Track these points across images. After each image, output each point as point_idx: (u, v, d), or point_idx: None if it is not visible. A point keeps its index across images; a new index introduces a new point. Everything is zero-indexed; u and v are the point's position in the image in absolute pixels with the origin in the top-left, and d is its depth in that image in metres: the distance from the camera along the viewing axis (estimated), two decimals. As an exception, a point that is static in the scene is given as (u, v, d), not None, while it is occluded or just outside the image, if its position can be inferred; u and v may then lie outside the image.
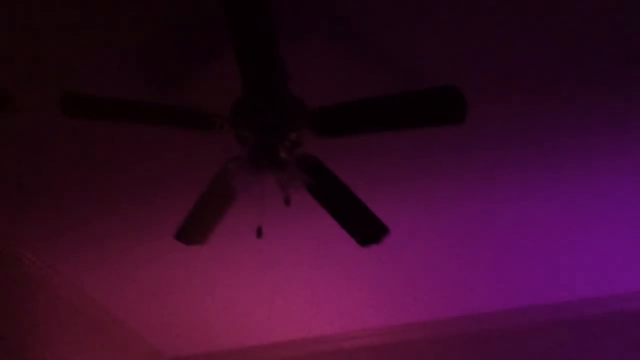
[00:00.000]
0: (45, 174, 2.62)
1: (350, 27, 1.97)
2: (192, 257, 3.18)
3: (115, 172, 2.61)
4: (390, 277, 3.32)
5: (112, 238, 3.02)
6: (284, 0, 1.86)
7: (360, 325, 3.76)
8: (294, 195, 2.08)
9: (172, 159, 2.54)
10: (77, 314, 3.41)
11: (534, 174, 2.61)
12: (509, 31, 1.99)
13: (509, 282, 3.36)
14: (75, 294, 3.39)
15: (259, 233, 2.14)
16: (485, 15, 1.93)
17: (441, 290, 3.45)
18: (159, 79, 2.18)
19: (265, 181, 2.42)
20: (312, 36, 2.00)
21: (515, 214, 2.84)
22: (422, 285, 3.41)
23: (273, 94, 1.85)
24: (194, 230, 2.37)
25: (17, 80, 2.17)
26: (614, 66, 2.11)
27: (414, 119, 1.88)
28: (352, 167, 2.56)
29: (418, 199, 2.76)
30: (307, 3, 1.88)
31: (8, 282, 2.98)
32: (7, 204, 2.79)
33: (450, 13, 1.92)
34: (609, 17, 1.93)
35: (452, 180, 2.65)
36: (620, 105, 2.27)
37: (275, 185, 2.30)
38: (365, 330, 3.79)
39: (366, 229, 2.33)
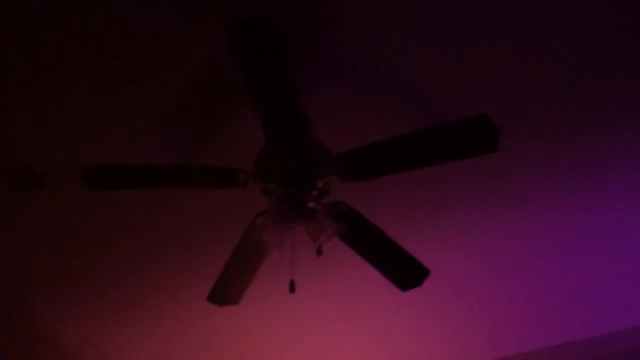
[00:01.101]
0: (76, 246, 2.59)
1: (369, 68, 1.92)
2: (224, 317, 3.08)
3: (140, 238, 2.57)
4: (430, 316, 3.17)
5: (143, 306, 2.96)
6: (300, 48, 1.84)
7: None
8: (326, 245, 1.99)
9: (200, 220, 2.49)
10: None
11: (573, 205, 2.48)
12: (536, 63, 1.91)
13: (563, 315, 3.17)
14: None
15: (292, 287, 2.05)
16: (508, 47, 1.86)
17: (478, 329, 3.27)
18: (179, 141, 2.15)
19: (296, 233, 2.35)
20: (331, 82, 1.96)
21: (549, 249, 2.69)
22: (465, 325, 3.25)
23: (294, 141, 1.80)
24: (227, 290, 2.29)
25: (42, 157, 2.17)
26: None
27: (445, 153, 1.79)
28: (385, 209, 2.47)
29: (453, 234, 2.64)
30: (322, 49, 1.85)
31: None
32: (43, 282, 2.77)
33: (474, 48, 1.86)
34: None
35: (483, 214, 2.52)
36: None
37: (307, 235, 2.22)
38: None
39: (406, 272, 2.22)
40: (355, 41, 1.82)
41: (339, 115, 2.06)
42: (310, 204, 1.93)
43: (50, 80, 1.91)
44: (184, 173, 1.91)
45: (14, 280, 2.75)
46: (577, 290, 2.95)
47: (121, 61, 1.86)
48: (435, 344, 3.39)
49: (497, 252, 2.74)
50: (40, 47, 1.80)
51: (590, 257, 2.75)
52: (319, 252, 1.97)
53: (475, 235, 2.64)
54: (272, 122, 1.72)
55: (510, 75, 1.95)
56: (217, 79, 1.93)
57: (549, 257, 2.75)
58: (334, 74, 1.93)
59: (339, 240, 2.03)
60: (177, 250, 2.65)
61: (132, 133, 2.11)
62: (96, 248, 2.60)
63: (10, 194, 2.29)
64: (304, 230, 2.01)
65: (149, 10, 1.71)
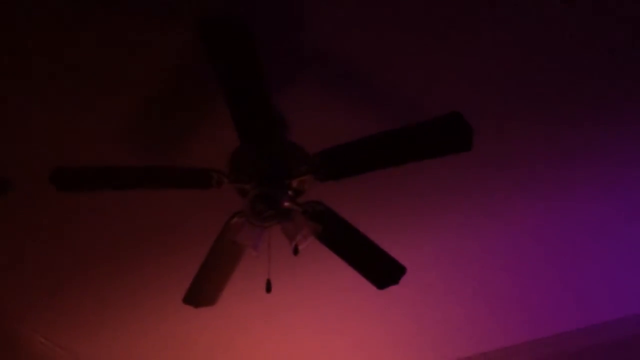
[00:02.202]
0: (46, 248, 2.54)
1: (341, 67, 1.91)
2: (203, 317, 3.06)
3: (112, 240, 2.53)
4: (407, 317, 3.18)
5: (115, 307, 2.93)
6: (272, 48, 1.82)
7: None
8: (302, 244, 1.98)
9: (174, 220, 2.46)
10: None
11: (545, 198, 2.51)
12: (508, 53, 1.91)
13: (538, 311, 3.22)
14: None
15: (268, 287, 2.05)
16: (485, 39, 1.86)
17: (458, 328, 3.30)
18: (151, 142, 2.12)
19: (272, 232, 2.33)
20: (304, 81, 1.95)
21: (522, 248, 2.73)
22: (441, 324, 3.27)
23: (268, 141, 1.79)
24: (202, 291, 2.27)
25: (8, 160, 2.12)
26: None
27: (419, 152, 1.80)
28: (361, 208, 2.47)
29: (429, 233, 2.65)
30: (295, 49, 1.83)
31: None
32: (11, 284, 2.71)
33: (455, 44, 1.84)
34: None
35: (460, 211, 2.53)
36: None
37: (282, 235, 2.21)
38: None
39: (382, 270, 2.22)
40: (329, 40, 1.81)
41: (313, 114, 2.05)
42: (286, 204, 1.92)
43: (18, 82, 1.86)
44: (156, 174, 1.89)
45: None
46: (562, 282, 2.97)
47: (92, 62, 1.82)
48: (415, 345, 3.41)
49: (479, 248, 2.75)
50: (5, 48, 1.76)
51: (578, 251, 2.76)
52: (295, 251, 1.97)
53: (456, 232, 2.64)
54: (246, 121, 1.70)
55: (494, 70, 1.93)
56: (191, 79, 1.90)
57: (532, 251, 2.76)
58: (308, 72, 1.92)
59: (314, 239, 2.02)
60: (151, 251, 2.62)
61: (103, 134, 2.07)
62: (67, 250, 2.56)
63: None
64: (280, 230, 2.00)
65: (119, 10, 1.68)
